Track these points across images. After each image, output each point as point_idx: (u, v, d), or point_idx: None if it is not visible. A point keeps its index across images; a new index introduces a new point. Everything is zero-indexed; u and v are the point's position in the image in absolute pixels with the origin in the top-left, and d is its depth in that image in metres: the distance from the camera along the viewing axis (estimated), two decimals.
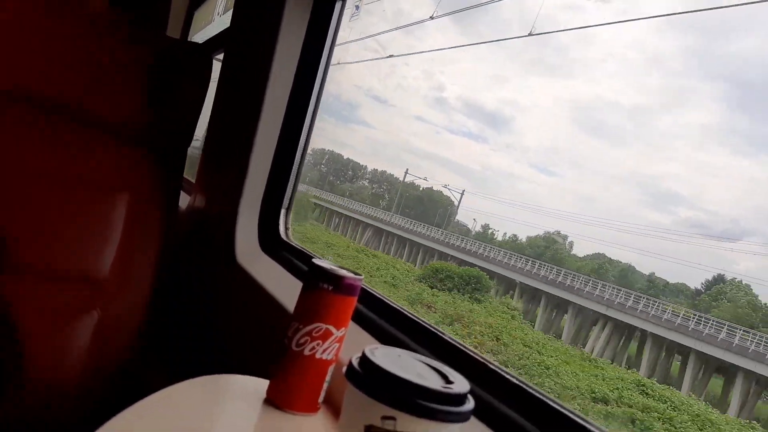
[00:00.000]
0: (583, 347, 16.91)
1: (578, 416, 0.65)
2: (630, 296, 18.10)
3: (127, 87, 1.33)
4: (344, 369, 0.55)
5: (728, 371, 14.97)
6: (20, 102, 1.20)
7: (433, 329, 0.90)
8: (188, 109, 1.41)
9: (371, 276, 17.39)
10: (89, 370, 1.23)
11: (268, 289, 1.17)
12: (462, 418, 0.52)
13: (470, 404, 0.53)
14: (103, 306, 1.24)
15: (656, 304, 17.60)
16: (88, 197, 1.25)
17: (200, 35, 2.98)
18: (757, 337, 14.45)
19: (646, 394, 12.17)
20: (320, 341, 0.71)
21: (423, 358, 0.59)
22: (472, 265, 20.47)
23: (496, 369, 0.76)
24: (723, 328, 15.27)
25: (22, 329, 1.14)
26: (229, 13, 1.73)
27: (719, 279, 21.58)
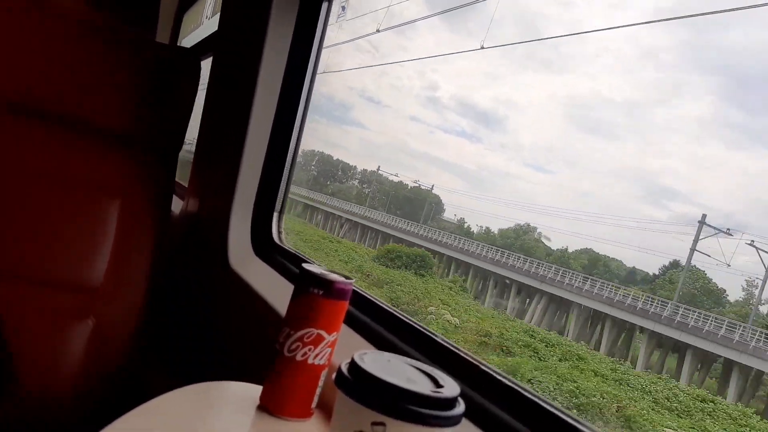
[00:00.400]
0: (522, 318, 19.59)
1: (571, 417, 0.65)
2: (587, 280, 20.30)
3: (118, 92, 1.33)
4: (333, 375, 0.55)
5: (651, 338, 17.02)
6: (10, 108, 1.20)
7: (425, 332, 0.90)
8: (179, 113, 1.40)
9: (328, 255, 20.46)
10: (84, 376, 1.22)
11: (261, 293, 1.17)
12: (452, 422, 0.52)
13: (460, 408, 0.53)
14: (98, 311, 1.24)
15: (608, 286, 19.57)
16: (81, 202, 1.25)
17: (189, 39, 2.97)
18: (694, 313, 16.49)
19: (531, 336, 15.06)
20: (312, 346, 0.70)
21: (413, 362, 0.58)
22: (440, 253, 24.17)
23: (489, 371, 0.76)
24: (658, 304, 17.62)
25: (16, 335, 1.13)
26: (218, 17, 1.72)
27: (674, 264, 24.03)
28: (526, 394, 0.70)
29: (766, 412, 13.24)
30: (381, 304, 1.02)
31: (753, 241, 20.19)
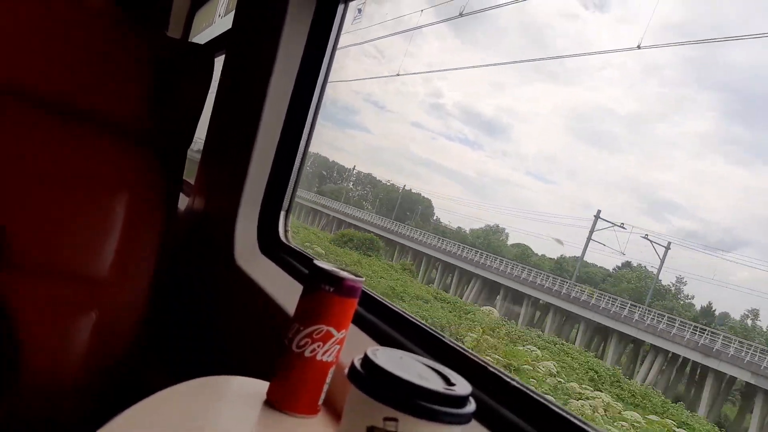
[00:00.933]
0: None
1: (579, 420, 0.65)
2: (536, 273, 23.64)
3: (128, 86, 1.33)
4: (346, 370, 0.55)
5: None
6: (21, 100, 1.20)
7: (433, 332, 0.90)
8: (189, 110, 1.41)
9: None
10: (87, 369, 1.22)
11: (268, 291, 1.17)
12: (464, 420, 0.52)
13: (472, 406, 0.53)
14: (102, 305, 1.24)
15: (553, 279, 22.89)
16: (88, 196, 1.25)
17: (201, 37, 2.98)
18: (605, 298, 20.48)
19: (434, 296, 18.95)
20: (321, 343, 0.71)
21: (424, 360, 0.59)
22: (401, 244, 28.73)
23: (497, 372, 0.76)
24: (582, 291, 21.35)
25: (20, 327, 1.13)
26: (230, 16, 1.73)
27: (626, 265, 27.77)
28: (534, 395, 0.71)
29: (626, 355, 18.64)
30: (388, 304, 1.02)
31: (647, 234, 24.46)
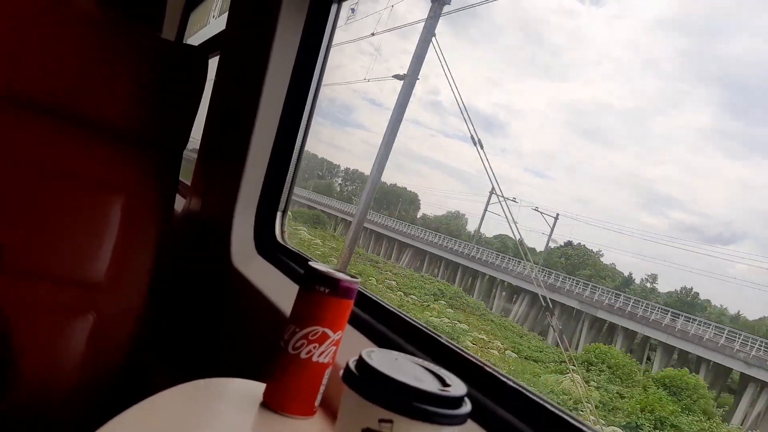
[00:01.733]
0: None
1: (576, 419, 0.65)
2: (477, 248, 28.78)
3: (123, 89, 1.32)
4: (341, 372, 0.55)
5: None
6: (14, 104, 1.20)
7: (430, 332, 0.90)
8: (184, 111, 1.40)
9: None
10: (84, 372, 1.22)
11: (264, 292, 1.17)
12: (459, 421, 0.52)
13: (467, 407, 0.53)
14: (98, 309, 1.24)
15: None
16: (84, 199, 1.24)
17: (195, 38, 2.97)
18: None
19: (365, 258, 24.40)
20: (317, 344, 0.70)
21: (420, 361, 0.59)
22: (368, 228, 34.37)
23: (494, 372, 0.76)
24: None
25: (16, 332, 1.13)
26: (224, 17, 1.73)
27: (568, 243, 32.53)
28: (530, 395, 0.70)
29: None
30: (385, 305, 1.02)
31: (537, 207, 28.86)
